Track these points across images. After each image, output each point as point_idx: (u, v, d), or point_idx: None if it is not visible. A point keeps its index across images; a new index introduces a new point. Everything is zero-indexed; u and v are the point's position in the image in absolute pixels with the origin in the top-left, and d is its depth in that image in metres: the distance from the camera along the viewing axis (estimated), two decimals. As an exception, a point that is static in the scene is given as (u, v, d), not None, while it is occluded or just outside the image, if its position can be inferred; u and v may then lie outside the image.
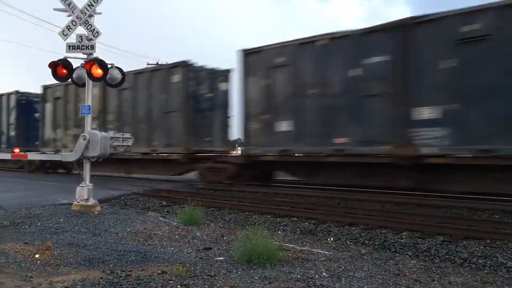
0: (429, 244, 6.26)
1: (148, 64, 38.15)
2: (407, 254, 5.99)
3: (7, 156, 17.70)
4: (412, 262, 5.57)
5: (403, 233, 7.02)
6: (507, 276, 5.09)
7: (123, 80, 9.01)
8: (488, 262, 5.49)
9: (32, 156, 13.84)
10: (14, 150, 19.02)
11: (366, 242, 6.67)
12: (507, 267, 5.30)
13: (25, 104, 21.30)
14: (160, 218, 8.18)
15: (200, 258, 5.30)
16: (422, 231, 7.03)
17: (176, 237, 6.52)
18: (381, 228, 7.38)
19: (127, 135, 9.40)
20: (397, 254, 6.00)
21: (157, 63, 36.96)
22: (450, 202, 9.39)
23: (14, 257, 4.97)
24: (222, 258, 5.32)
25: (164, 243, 6.10)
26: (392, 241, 6.58)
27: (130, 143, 9.43)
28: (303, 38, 11.69)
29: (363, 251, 6.11)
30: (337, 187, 11.75)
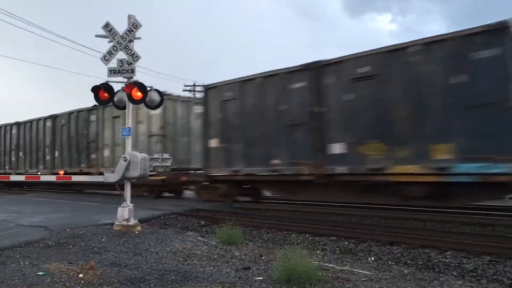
0: (475, 264, 6.03)
1: (185, 86, 38.96)
2: (452, 275, 5.78)
3: (52, 178, 18.29)
4: (458, 283, 5.36)
5: (447, 252, 6.79)
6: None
7: (161, 102, 9.25)
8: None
9: (76, 178, 14.28)
10: (59, 172, 19.61)
11: (409, 262, 6.48)
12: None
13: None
14: (199, 238, 8.23)
15: (239, 277, 5.29)
16: (468, 250, 6.79)
17: (215, 256, 6.54)
18: (424, 247, 7.17)
19: (166, 155, 9.58)
20: (442, 274, 5.79)
21: (194, 85, 37.73)
22: (495, 220, 9.05)
23: (59, 277, 5.12)
24: (261, 277, 5.29)
25: (203, 262, 6.13)
26: (436, 260, 6.36)
27: (168, 163, 9.61)
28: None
29: (406, 272, 5.93)
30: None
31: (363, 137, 10.61)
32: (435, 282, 5.33)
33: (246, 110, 13.25)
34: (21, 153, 23.39)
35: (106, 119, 18.32)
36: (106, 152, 18.31)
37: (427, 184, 9.71)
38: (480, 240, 7.32)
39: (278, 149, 12.33)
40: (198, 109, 16.59)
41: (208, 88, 14.48)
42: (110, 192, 17.62)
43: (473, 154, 8.86)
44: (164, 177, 15.50)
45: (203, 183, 14.66)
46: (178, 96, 17.69)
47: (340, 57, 11.23)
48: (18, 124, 23.70)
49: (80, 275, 5.15)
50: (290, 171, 12.00)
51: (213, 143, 14.22)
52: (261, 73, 12.92)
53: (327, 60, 11.44)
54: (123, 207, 8.74)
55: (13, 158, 23.97)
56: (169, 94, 16.58)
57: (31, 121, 22.82)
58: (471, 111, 8.97)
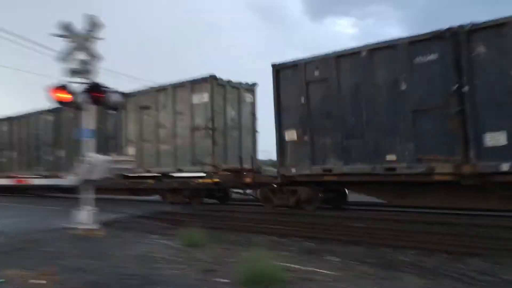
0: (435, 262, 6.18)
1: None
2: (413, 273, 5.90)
3: (6, 181, 17.57)
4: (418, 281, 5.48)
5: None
6: None
7: (122, 103, 9.07)
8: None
9: (34, 181, 13.82)
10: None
11: (371, 261, 6.57)
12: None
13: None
14: (163, 241, 8.11)
15: (204, 280, 5.24)
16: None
17: (179, 259, 6.45)
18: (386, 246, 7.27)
19: (128, 157, 9.38)
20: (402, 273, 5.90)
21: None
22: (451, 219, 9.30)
23: (17, 284, 4.93)
24: (226, 280, 5.25)
25: (168, 266, 6.04)
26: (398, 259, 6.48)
27: (128, 166, 9.39)
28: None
29: (369, 271, 6.00)
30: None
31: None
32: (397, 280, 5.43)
33: (344, 92, 11.11)
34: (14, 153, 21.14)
35: (131, 111, 16.07)
36: (131, 150, 16.02)
37: None
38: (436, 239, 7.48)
39: (395, 141, 10.23)
40: (248, 97, 15.40)
41: (281, 68, 12.28)
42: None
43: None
44: (217, 180, 13.82)
45: (275, 185, 12.54)
46: (228, 81, 14.93)
47: (498, 19, 9.07)
48: (10, 119, 21.44)
49: (39, 282, 4.98)
50: (416, 170, 9.89)
51: (291, 135, 12.11)
52: (366, 45, 10.77)
53: (475, 24, 9.30)
54: (84, 210, 8.52)
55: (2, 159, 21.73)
56: (219, 78, 14.47)
57: (27, 116, 20.45)
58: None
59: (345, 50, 11.34)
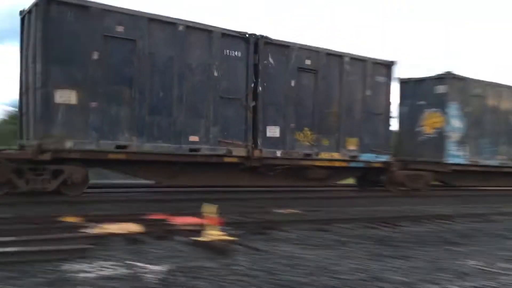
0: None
1: None
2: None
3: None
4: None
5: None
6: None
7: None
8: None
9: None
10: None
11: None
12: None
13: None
14: None
15: None
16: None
17: None
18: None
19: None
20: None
21: None
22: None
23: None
24: None
25: None
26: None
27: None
28: None
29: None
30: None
31: None
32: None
33: (155, 62, 10.09)
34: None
35: None
36: None
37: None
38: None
39: (201, 123, 10.31)
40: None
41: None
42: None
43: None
44: None
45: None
46: None
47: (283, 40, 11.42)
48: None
49: None
50: (218, 152, 10.39)
51: (67, 96, 9.12)
52: (184, 20, 10.21)
53: (269, 39, 11.40)
54: None
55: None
56: None
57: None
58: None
59: (161, 15, 10.20)
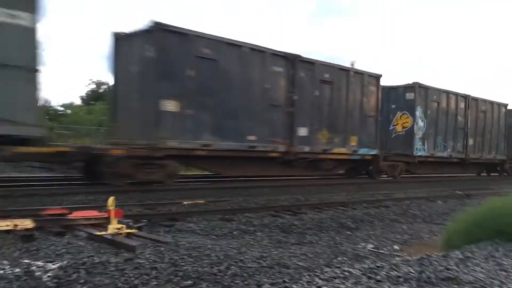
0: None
1: None
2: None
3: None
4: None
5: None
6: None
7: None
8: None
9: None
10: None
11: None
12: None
13: None
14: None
15: None
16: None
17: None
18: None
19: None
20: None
21: None
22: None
23: None
24: None
25: None
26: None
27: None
28: None
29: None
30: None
31: None
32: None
33: (230, 77, 12.64)
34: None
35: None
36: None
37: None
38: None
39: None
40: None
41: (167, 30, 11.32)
42: None
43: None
44: None
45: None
46: None
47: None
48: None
49: None
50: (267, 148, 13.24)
51: (171, 106, 11.20)
52: (248, 43, 12.28)
53: (300, 57, 14.35)
54: None
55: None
56: None
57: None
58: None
59: (233, 40, 12.75)
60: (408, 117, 19.00)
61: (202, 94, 12.05)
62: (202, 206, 9.14)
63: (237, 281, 4.25)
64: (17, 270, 4.11)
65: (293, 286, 3.51)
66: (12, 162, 13.62)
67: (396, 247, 6.54)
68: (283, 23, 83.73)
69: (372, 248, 6.20)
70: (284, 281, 3.82)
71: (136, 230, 5.87)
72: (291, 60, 14.21)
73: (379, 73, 17.22)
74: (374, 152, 16.97)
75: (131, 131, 11.96)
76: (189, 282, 4.14)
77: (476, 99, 21.89)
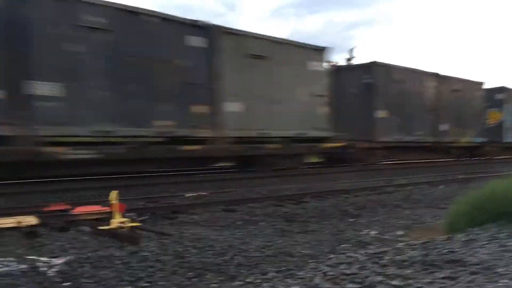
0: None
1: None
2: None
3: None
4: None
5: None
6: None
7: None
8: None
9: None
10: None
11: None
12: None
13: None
14: None
15: None
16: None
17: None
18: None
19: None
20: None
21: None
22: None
23: None
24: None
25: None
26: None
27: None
28: None
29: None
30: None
31: None
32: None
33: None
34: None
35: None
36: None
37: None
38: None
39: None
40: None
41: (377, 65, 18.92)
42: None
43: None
44: None
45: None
46: None
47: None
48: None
49: None
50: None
51: (382, 114, 18.54)
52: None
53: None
54: None
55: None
56: None
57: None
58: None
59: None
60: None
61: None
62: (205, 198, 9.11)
63: (242, 271, 4.22)
64: (23, 266, 4.11)
65: (299, 273, 3.49)
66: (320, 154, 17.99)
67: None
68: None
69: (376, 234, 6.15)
70: (289, 269, 3.79)
71: (139, 224, 5.85)
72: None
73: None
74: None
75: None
76: (194, 273, 4.13)
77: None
